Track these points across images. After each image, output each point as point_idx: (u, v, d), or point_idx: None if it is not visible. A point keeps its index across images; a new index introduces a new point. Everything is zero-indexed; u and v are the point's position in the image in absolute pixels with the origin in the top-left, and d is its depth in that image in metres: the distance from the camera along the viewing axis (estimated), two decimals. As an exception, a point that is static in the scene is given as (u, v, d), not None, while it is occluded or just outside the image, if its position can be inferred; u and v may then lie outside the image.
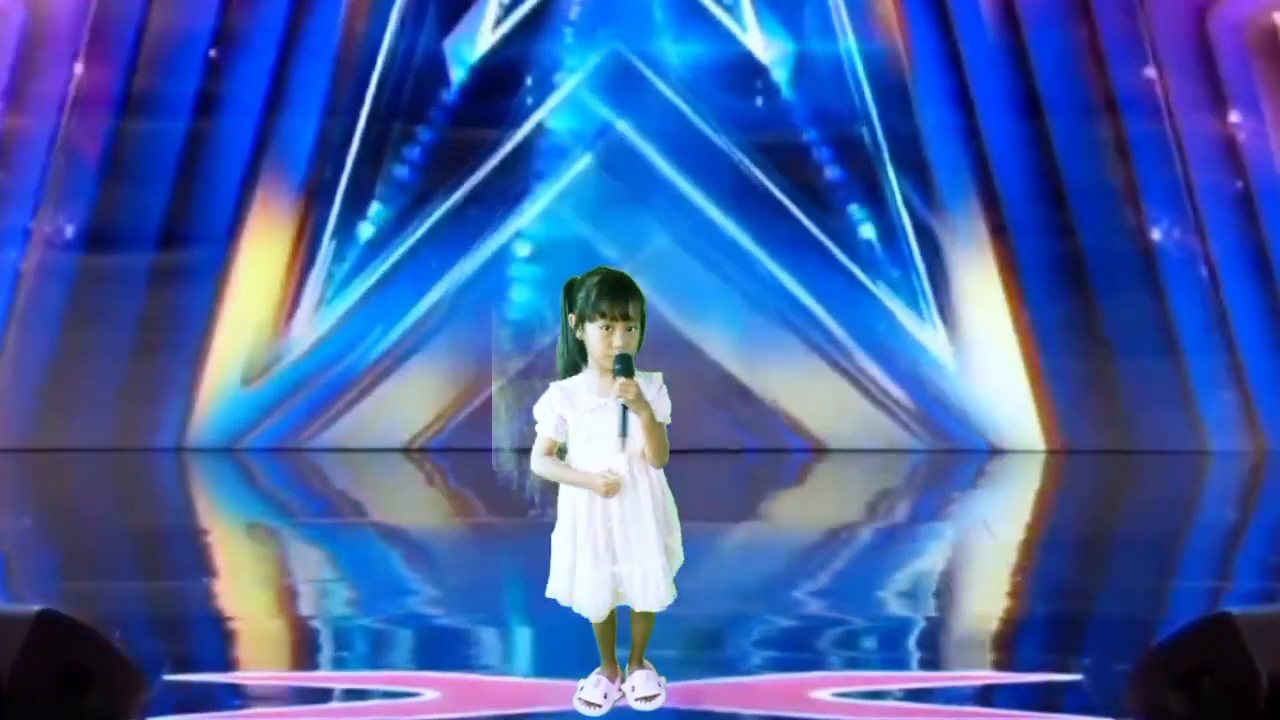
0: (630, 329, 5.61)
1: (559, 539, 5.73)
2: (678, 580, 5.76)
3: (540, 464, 5.69)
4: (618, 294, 5.62)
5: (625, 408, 5.57)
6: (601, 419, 5.62)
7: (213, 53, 13.58)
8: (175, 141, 13.62)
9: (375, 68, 13.63)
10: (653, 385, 5.63)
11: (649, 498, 5.64)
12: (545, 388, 5.74)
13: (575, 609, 5.73)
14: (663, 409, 5.64)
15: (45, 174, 13.57)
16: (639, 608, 5.70)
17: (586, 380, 5.66)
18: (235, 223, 13.65)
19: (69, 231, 13.60)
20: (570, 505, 5.69)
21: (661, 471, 5.70)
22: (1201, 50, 13.67)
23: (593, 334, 5.62)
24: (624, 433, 5.57)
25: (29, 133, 13.59)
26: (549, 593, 5.76)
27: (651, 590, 5.65)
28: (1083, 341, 13.75)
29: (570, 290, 5.68)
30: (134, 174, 13.63)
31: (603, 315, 5.60)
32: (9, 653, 5.08)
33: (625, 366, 5.57)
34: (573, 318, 5.66)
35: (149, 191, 13.63)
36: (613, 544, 5.65)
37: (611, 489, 5.59)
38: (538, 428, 5.69)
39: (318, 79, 13.66)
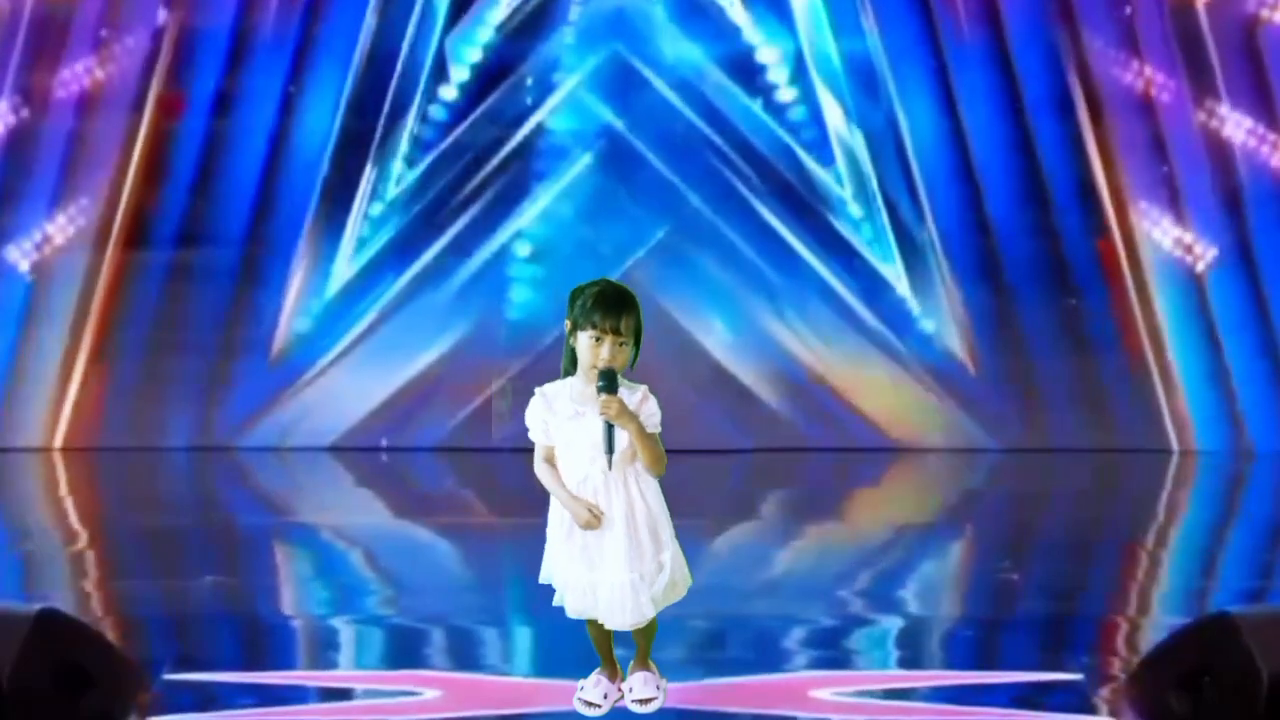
0: (621, 344, 5.57)
1: (550, 530, 5.73)
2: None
3: (539, 471, 5.69)
4: (611, 307, 5.57)
5: (610, 425, 5.53)
6: (579, 427, 5.59)
7: (229, 51, 13.58)
8: (192, 140, 13.63)
9: (396, 68, 13.63)
10: (635, 396, 5.58)
11: (623, 511, 5.59)
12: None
13: (556, 600, 5.72)
14: (651, 419, 5.60)
15: (63, 172, 13.58)
16: (605, 623, 5.66)
17: (570, 387, 5.64)
18: (251, 222, 13.65)
19: (85, 230, 13.59)
20: (557, 507, 5.69)
21: (654, 486, 5.66)
22: (1187, 48, 13.66)
23: (583, 343, 5.59)
24: (610, 449, 5.53)
25: (46, 130, 13.59)
26: (541, 578, 5.75)
27: (616, 606, 5.61)
28: (1066, 340, 13.75)
29: (573, 297, 5.66)
30: (150, 172, 13.63)
31: (594, 326, 5.56)
32: (9, 653, 5.09)
33: (608, 383, 5.52)
34: (568, 324, 5.64)
35: (166, 190, 13.64)
36: (589, 551, 5.64)
37: (590, 525, 5.58)
38: (530, 435, 5.69)
39: (331, 78, 13.65)
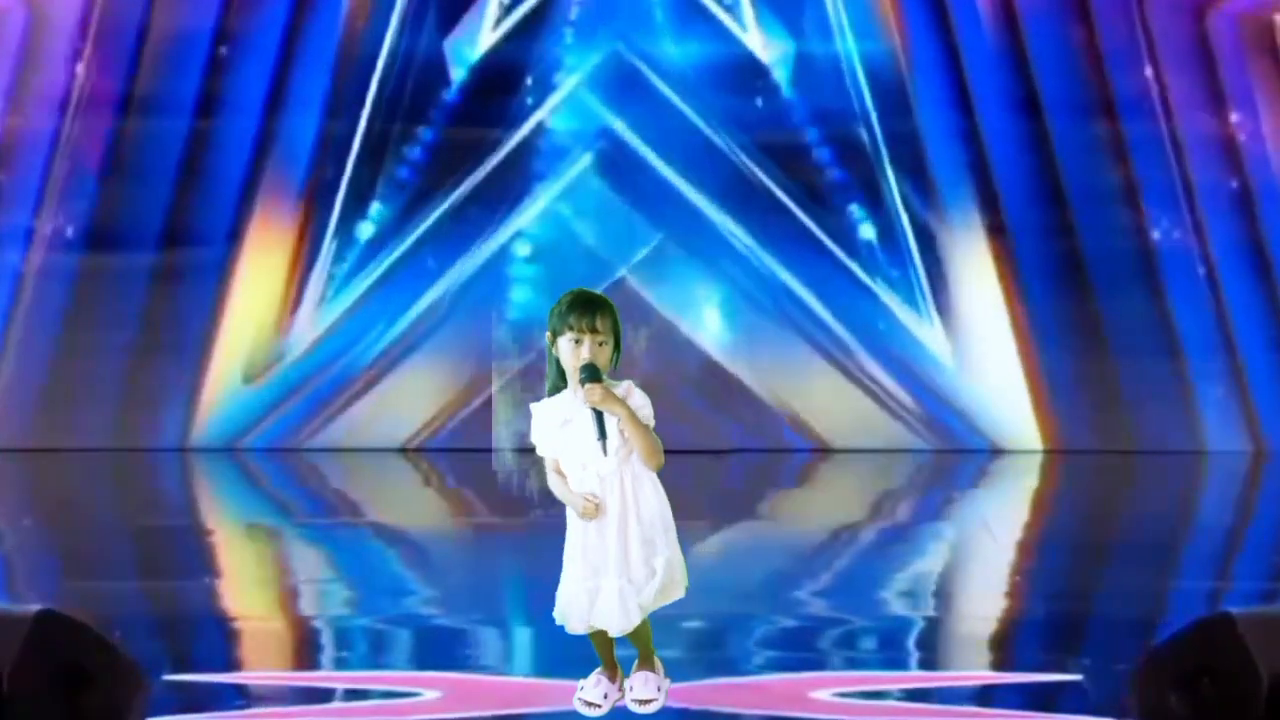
0: (601, 343, 5.62)
1: (566, 554, 5.74)
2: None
3: (549, 480, 5.71)
4: (586, 308, 5.63)
5: (599, 412, 5.56)
6: (569, 434, 5.62)
7: (214, 52, 13.58)
8: (176, 141, 13.62)
9: (376, 68, 13.64)
10: (619, 389, 5.61)
11: (617, 515, 5.60)
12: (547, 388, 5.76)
13: (558, 619, 5.71)
14: (641, 411, 5.61)
15: (46, 174, 13.57)
16: (597, 625, 5.66)
17: (561, 398, 5.67)
18: (236, 223, 13.64)
19: (70, 231, 13.60)
20: (572, 519, 5.69)
21: (653, 488, 5.65)
22: (1200, 50, 13.66)
23: (564, 348, 5.64)
24: (602, 435, 5.55)
25: (30, 133, 13.59)
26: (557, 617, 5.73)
27: (608, 611, 5.61)
28: (1081, 341, 13.74)
29: (550, 313, 5.72)
30: (135, 174, 13.63)
31: (571, 328, 5.62)
32: (9, 653, 5.08)
33: (591, 374, 5.56)
34: (549, 335, 5.70)
35: (150, 191, 13.63)
36: (588, 556, 5.64)
37: (587, 513, 5.59)
38: (537, 451, 5.72)
39: (318, 79, 13.66)
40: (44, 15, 13.58)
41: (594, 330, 5.61)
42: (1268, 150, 13.68)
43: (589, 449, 5.60)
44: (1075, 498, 12.76)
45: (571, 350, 5.62)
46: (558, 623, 5.71)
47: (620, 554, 5.59)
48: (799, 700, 6.75)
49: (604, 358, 5.62)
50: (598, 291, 5.75)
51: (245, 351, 13.70)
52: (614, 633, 5.65)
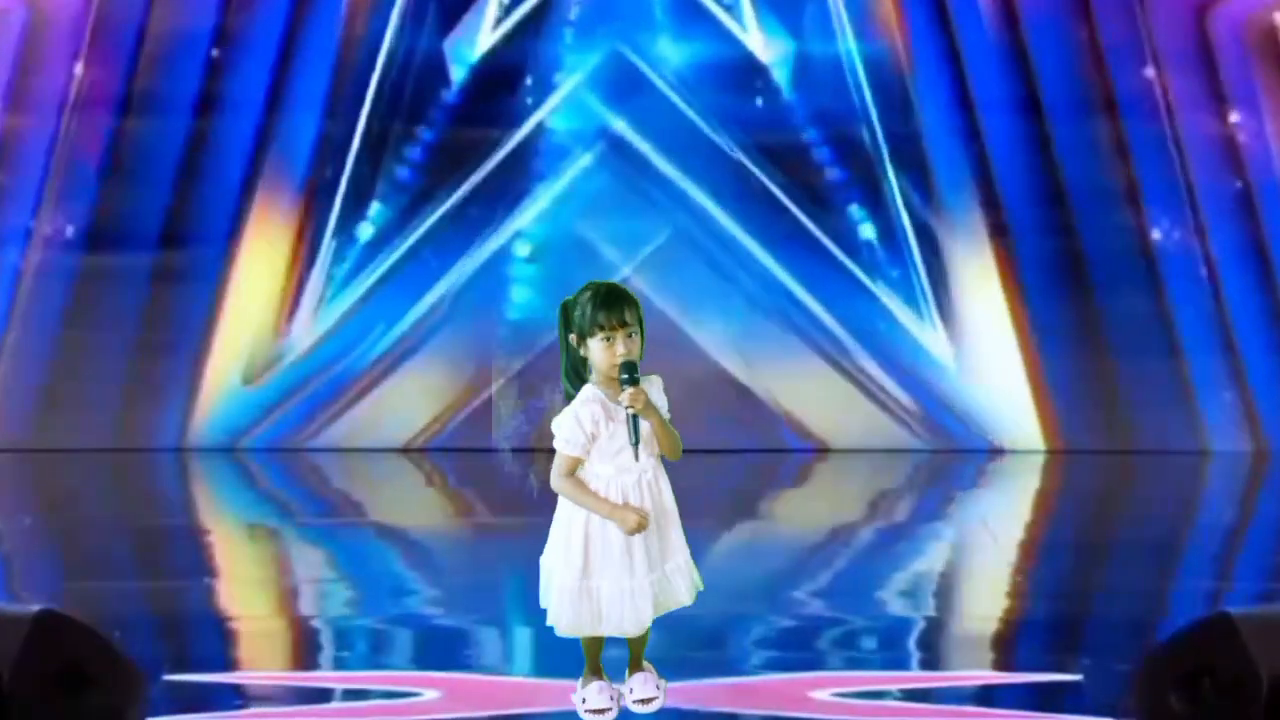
0: (631, 335, 5.60)
1: (559, 563, 5.67)
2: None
3: (564, 485, 5.62)
4: (612, 303, 5.60)
5: (635, 416, 5.55)
6: (605, 433, 5.61)
7: (213, 52, 13.58)
8: (176, 141, 13.62)
9: (376, 67, 13.64)
10: (655, 388, 5.64)
11: (671, 495, 5.67)
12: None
13: (612, 633, 5.67)
14: (663, 403, 5.67)
15: (45, 174, 13.57)
16: (680, 603, 5.69)
17: (598, 396, 5.63)
18: (236, 223, 13.64)
19: (69, 231, 13.60)
20: (582, 525, 5.62)
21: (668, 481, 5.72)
22: (1201, 50, 13.66)
23: (596, 348, 5.59)
24: (635, 441, 5.56)
25: (29, 132, 13.59)
26: (561, 629, 5.70)
27: (687, 582, 5.66)
28: (1082, 341, 13.74)
29: (566, 311, 5.65)
30: (134, 174, 13.62)
31: (601, 328, 5.58)
32: (9, 653, 5.08)
33: (631, 374, 5.55)
34: (573, 337, 5.64)
35: (149, 191, 13.62)
36: (650, 551, 5.62)
37: (643, 527, 5.56)
38: (561, 445, 5.61)
39: (318, 78, 13.66)
40: (44, 15, 13.57)
41: (624, 324, 5.59)
42: (1269, 150, 13.68)
43: (620, 450, 5.57)
44: (1076, 498, 12.76)
45: (604, 349, 5.57)
46: (593, 632, 5.67)
47: (681, 528, 5.64)
48: (798, 700, 6.76)
49: (637, 348, 5.61)
50: (614, 282, 5.71)
51: (245, 351, 13.70)
52: (691, 600, 5.70)
